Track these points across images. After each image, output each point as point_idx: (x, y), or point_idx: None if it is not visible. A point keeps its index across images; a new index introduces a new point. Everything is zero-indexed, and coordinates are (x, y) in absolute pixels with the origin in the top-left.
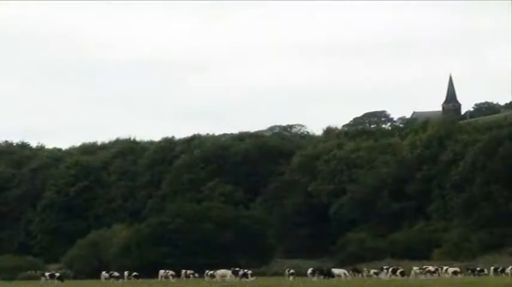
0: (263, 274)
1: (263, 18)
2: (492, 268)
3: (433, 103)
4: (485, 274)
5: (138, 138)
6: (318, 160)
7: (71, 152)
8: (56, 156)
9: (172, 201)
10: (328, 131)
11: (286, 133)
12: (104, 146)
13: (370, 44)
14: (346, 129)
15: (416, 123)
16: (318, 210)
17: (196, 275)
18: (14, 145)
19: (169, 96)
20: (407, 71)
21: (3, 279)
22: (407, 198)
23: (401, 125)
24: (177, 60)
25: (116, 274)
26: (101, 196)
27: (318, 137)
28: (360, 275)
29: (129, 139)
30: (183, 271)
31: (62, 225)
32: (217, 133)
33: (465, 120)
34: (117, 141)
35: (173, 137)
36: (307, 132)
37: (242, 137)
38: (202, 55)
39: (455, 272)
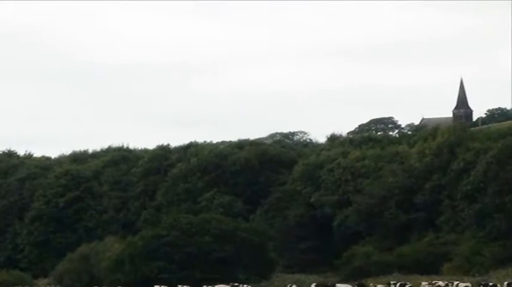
0: None
1: (264, 19)
2: (506, 283)
3: (443, 109)
4: None
5: (131, 146)
6: (321, 169)
7: (61, 160)
8: (45, 165)
9: (167, 212)
10: (332, 139)
11: (287, 141)
12: (95, 155)
13: (376, 47)
14: (351, 136)
15: (425, 131)
16: (321, 222)
17: None
18: (0, 153)
19: (163, 101)
20: (416, 75)
21: None
22: (416, 209)
23: (409, 132)
24: (172, 63)
25: None
26: (92, 207)
27: (321, 144)
28: None
29: (122, 147)
30: (179, 286)
31: (50, 238)
32: (215, 141)
33: (477, 127)
34: (109, 150)
35: (168, 144)
36: (310, 140)
37: (241, 144)
38: (199, 58)
39: None
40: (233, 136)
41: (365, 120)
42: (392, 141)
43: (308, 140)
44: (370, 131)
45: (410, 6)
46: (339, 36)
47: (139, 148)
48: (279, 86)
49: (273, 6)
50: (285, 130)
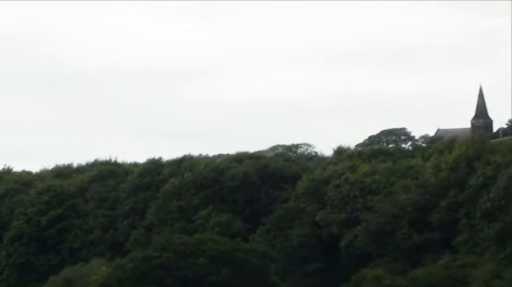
0: None
1: (265, 21)
2: None
3: (461, 119)
4: None
5: (119, 160)
6: (327, 184)
7: (42, 175)
8: (25, 180)
9: (159, 232)
10: (339, 152)
11: (290, 154)
12: (80, 169)
13: (386, 52)
14: (360, 149)
15: (441, 143)
16: (327, 242)
17: None
18: None
19: (155, 111)
20: (431, 83)
21: None
22: (431, 229)
23: (423, 145)
24: (163, 69)
25: None
26: (77, 226)
27: (327, 158)
28: None
29: (110, 161)
30: None
31: (32, 260)
32: (211, 154)
33: (498, 139)
34: (96, 163)
35: (160, 158)
36: (315, 153)
37: (240, 158)
38: (194, 63)
39: None
40: (231, 149)
41: (375, 131)
42: (405, 154)
43: (313, 153)
44: (381, 144)
45: (422, 6)
46: (346, 40)
47: (129, 162)
48: (281, 94)
49: (274, 8)
50: (288, 142)
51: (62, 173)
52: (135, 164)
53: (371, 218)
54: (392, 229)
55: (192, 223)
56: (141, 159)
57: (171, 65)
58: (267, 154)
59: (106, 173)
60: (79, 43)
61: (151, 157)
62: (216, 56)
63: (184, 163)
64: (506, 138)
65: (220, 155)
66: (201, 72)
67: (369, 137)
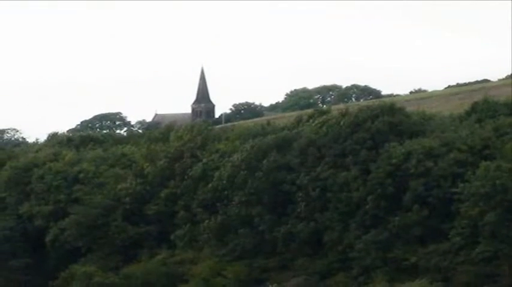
0: None
1: None
2: None
3: (180, 103)
4: None
5: None
6: (28, 173)
7: None
8: None
9: None
10: (52, 138)
11: None
12: None
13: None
14: (70, 135)
15: (157, 130)
16: (33, 236)
17: None
18: None
19: None
20: (149, 66)
21: None
22: (148, 221)
23: (140, 131)
24: None
25: None
26: None
27: (36, 145)
28: None
29: None
30: None
31: None
32: None
33: (221, 125)
34: None
35: None
36: (23, 139)
37: None
38: None
39: None
40: None
41: (88, 116)
42: (119, 141)
43: (21, 139)
44: (95, 129)
45: None
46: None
47: None
48: None
49: None
50: None
51: None
52: None
53: (80, 210)
54: (104, 222)
55: None
56: None
57: None
58: None
59: None
60: None
61: None
62: None
63: None
64: (230, 124)
65: None
66: None
67: (81, 122)
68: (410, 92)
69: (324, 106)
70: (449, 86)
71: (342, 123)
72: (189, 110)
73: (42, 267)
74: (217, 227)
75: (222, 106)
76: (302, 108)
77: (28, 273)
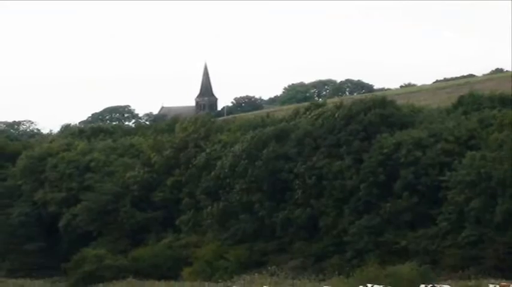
0: None
1: None
2: None
3: (185, 97)
4: None
5: None
6: (43, 162)
7: None
8: None
9: None
10: (65, 129)
11: (12, 131)
12: None
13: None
14: (82, 126)
15: (163, 123)
16: (47, 221)
17: None
18: None
19: None
20: (156, 61)
21: None
22: (155, 207)
23: (147, 123)
24: None
25: None
26: None
27: (50, 135)
28: None
29: None
30: None
31: None
32: None
33: (223, 117)
34: None
35: None
36: (38, 130)
37: None
38: None
39: None
40: None
41: (99, 109)
42: (127, 132)
43: (35, 131)
44: (105, 121)
45: None
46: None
47: None
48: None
49: None
50: (9, 119)
51: None
52: None
53: (91, 197)
54: (114, 208)
55: None
56: None
57: None
58: None
59: None
60: None
61: None
62: None
63: None
64: (231, 116)
65: None
66: None
67: (92, 115)
68: (401, 86)
69: (320, 99)
70: (437, 81)
71: (336, 115)
72: (193, 103)
73: (55, 250)
74: (220, 213)
75: (224, 99)
76: (299, 101)
77: (42, 256)
